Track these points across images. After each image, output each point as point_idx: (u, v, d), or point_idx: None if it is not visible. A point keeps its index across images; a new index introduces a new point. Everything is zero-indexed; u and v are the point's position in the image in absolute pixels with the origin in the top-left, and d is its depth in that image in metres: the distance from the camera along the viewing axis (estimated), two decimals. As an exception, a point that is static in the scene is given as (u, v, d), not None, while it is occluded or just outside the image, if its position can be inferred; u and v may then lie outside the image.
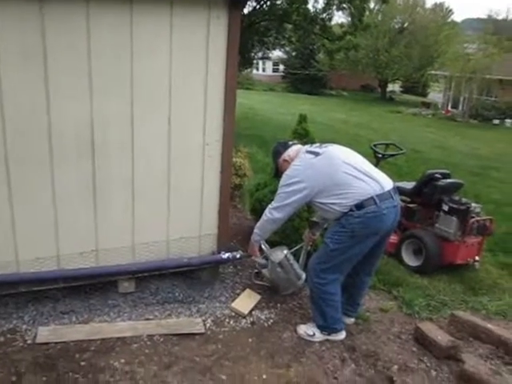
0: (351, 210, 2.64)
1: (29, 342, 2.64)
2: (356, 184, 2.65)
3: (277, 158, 3.02)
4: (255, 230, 3.03)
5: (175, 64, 2.86)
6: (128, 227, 3.03)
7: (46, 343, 2.62)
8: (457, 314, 3.24)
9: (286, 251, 3.31)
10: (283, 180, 2.83)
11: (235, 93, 3.12)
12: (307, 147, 2.93)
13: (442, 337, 2.87)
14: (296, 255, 3.40)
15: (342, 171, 2.69)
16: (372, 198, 2.62)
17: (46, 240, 2.82)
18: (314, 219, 3.25)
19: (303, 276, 3.33)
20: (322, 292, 2.82)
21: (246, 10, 11.75)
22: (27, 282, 2.82)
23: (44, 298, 3.03)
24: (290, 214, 2.86)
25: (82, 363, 2.50)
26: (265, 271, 3.32)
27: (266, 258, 3.31)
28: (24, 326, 2.76)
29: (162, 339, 2.76)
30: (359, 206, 2.62)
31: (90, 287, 3.15)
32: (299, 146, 3.01)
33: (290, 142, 3.06)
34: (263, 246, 3.24)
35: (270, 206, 2.89)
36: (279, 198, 2.82)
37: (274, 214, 2.84)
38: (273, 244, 3.68)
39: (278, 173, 3.05)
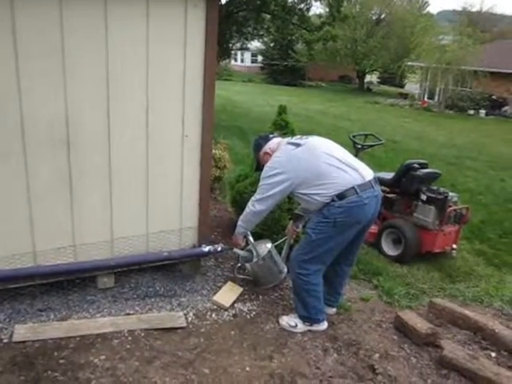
0: (333, 200, 2.65)
1: (5, 340, 2.56)
2: (337, 174, 2.67)
3: (258, 151, 3.01)
4: (239, 223, 3.02)
5: (152, 54, 2.79)
6: (106, 221, 2.97)
7: (23, 342, 2.55)
8: (435, 301, 3.29)
9: (269, 245, 3.30)
10: (265, 172, 2.83)
11: (214, 83, 3.08)
12: (288, 139, 2.92)
13: (421, 324, 2.92)
14: (277, 248, 3.39)
15: (323, 161, 2.70)
16: (353, 187, 2.64)
17: (21, 236, 2.74)
18: (297, 212, 3.24)
19: (285, 270, 3.33)
20: (305, 283, 2.83)
21: (223, 0, 11.63)
22: (2, 279, 2.73)
23: (20, 295, 2.95)
24: (273, 206, 2.87)
25: (61, 361, 2.44)
26: (247, 265, 3.30)
27: (249, 251, 3.30)
28: (0, 325, 2.69)
29: (143, 334, 2.73)
30: (340, 196, 2.63)
31: (68, 283, 3.08)
32: (280, 138, 3.01)
33: (271, 135, 3.05)
34: (249, 238, 3.22)
35: (252, 198, 2.88)
36: (261, 190, 2.81)
37: (256, 206, 2.83)
38: (253, 235, 3.68)
39: (259, 166, 3.04)
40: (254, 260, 3.26)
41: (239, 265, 3.41)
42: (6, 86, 2.47)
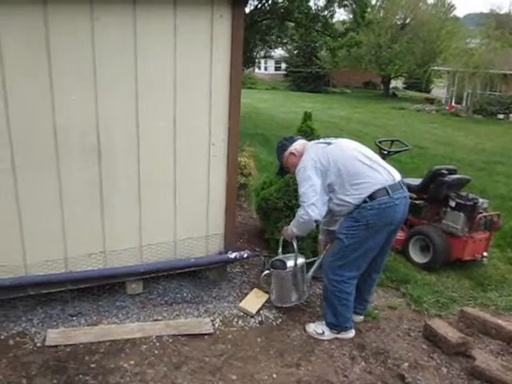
0: (364, 202, 2.62)
1: (38, 344, 2.64)
2: (369, 173, 2.65)
3: (282, 152, 2.96)
4: (293, 230, 2.87)
5: (180, 64, 2.85)
6: (135, 228, 3.03)
7: (56, 346, 2.62)
8: (466, 310, 3.22)
9: (302, 260, 3.14)
10: (300, 174, 2.73)
11: (240, 92, 3.11)
12: (315, 141, 2.92)
13: (451, 333, 2.86)
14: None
15: (356, 158, 2.69)
16: (385, 188, 2.62)
17: (54, 242, 2.82)
18: (330, 228, 3.07)
19: (305, 296, 3.18)
20: (338, 290, 2.79)
21: (247, 9, 11.75)
22: (36, 285, 2.82)
23: (53, 300, 3.04)
24: (326, 202, 2.72)
25: (92, 365, 2.50)
26: (275, 272, 3.13)
27: (280, 261, 3.15)
28: (33, 329, 2.77)
29: (171, 340, 2.76)
30: (372, 196, 2.61)
31: (98, 289, 3.15)
32: (305, 140, 3.00)
33: (296, 137, 3.04)
34: (294, 243, 3.03)
35: (302, 207, 2.71)
36: (305, 196, 2.68)
37: (310, 213, 2.66)
38: (278, 243, 3.66)
39: (282, 170, 3.03)
40: (287, 269, 3.08)
41: (264, 274, 3.21)
42: (41, 99, 2.56)
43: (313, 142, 2.92)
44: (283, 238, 3.12)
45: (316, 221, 2.71)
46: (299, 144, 2.92)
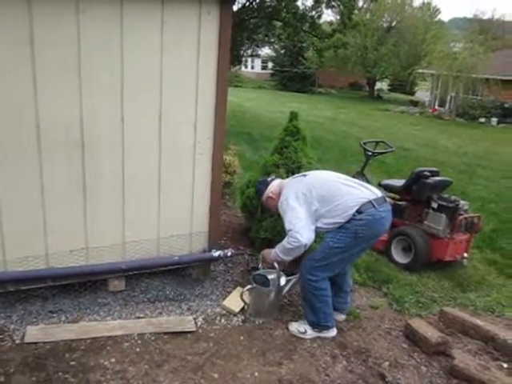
0: (353, 215, 2.70)
1: (17, 341, 2.60)
2: (352, 191, 2.77)
3: (260, 197, 3.07)
4: (279, 254, 2.84)
5: (166, 60, 2.83)
6: (118, 225, 3.00)
7: (35, 343, 2.59)
8: (446, 310, 3.27)
9: (284, 279, 3.10)
10: (283, 207, 2.79)
11: (226, 90, 3.11)
12: (290, 177, 3.04)
13: (431, 333, 2.90)
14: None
15: (335, 181, 2.84)
16: (370, 201, 2.72)
17: (35, 238, 2.77)
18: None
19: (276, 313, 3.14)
20: (314, 288, 2.83)
21: (235, 7, 11.71)
22: (15, 280, 2.78)
23: (33, 297, 2.99)
24: (313, 229, 2.75)
25: (72, 363, 2.47)
26: (258, 287, 3.05)
27: (262, 276, 3.10)
28: (12, 326, 2.72)
29: (152, 337, 2.74)
30: (359, 210, 2.69)
31: (80, 286, 3.11)
32: (279, 180, 3.07)
33: (269, 179, 3.10)
34: (276, 265, 3.00)
35: (289, 235, 2.70)
36: (291, 224, 2.69)
37: (299, 238, 2.66)
38: (262, 241, 3.68)
39: (263, 210, 3.09)
40: (270, 287, 3.04)
41: (246, 289, 3.07)
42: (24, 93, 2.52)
43: (288, 178, 3.02)
44: (262, 257, 3.11)
45: (305, 245, 2.70)
46: (274, 186, 3.00)
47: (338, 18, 13.99)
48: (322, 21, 14.14)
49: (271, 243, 3.45)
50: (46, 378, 2.34)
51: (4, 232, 2.68)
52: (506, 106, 20.67)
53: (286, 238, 2.74)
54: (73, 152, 2.72)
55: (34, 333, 2.67)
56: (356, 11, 16.10)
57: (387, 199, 2.87)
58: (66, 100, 2.63)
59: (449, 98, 23.07)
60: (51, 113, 2.61)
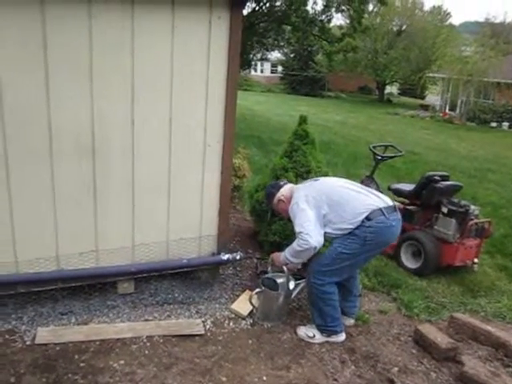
0: (362, 222, 2.69)
1: (28, 342, 2.62)
2: (362, 197, 2.78)
3: (271, 200, 3.07)
4: (288, 257, 2.83)
5: (176, 64, 2.85)
6: (128, 228, 3.02)
7: (45, 344, 2.61)
8: (456, 315, 3.24)
9: (293, 283, 3.10)
10: (294, 209, 2.80)
11: (236, 94, 3.12)
12: (301, 182, 3.07)
13: (441, 339, 2.88)
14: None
15: (345, 187, 2.85)
16: (380, 209, 2.71)
17: (46, 240, 2.80)
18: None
19: (284, 317, 3.13)
20: (320, 292, 2.83)
21: (245, 12, 11.76)
22: (26, 282, 2.81)
23: (43, 298, 3.01)
24: (323, 233, 2.75)
25: (82, 364, 2.49)
26: (267, 291, 3.05)
27: (270, 279, 3.09)
28: (23, 327, 2.75)
29: (161, 340, 2.75)
30: (368, 217, 2.69)
31: (89, 288, 3.13)
32: (290, 184, 3.09)
33: (282, 182, 3.11)
34: (285, 269, 2.97)
35: (300, 238, 2.70)
36: (303, 226, 2.70)
37: (309, 240, 2.66)
38: (272, 244, 3.68)
39: (273, 214, 3.10)
40: (279, 291, 3.03)
41: (255, 292, 3.08)
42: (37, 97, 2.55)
43: (298, 184, 3.05)
44: (271, 261, 3.10)
45: (315, 248, 2.70)
46: (286, 190, 3.00)
47: (348, 22, 13.99)
48: (331, 25, 14.15)
49: (280, 246, 3.46)
50: (55, 379, 2.36)
51: (15, 234, 2.71)
52: (517, 110, 20.49)
53: (295, 241, 2.75)
54: (83, 155, 2.75)
55: (45, 334, 2.69)
56: (366, 15, 16.08)
57: (396, 203, 2.87)
58: (77, 103, 2.66)
59: (459, 102, 22.93)
60: (63, 115, 2.64)
